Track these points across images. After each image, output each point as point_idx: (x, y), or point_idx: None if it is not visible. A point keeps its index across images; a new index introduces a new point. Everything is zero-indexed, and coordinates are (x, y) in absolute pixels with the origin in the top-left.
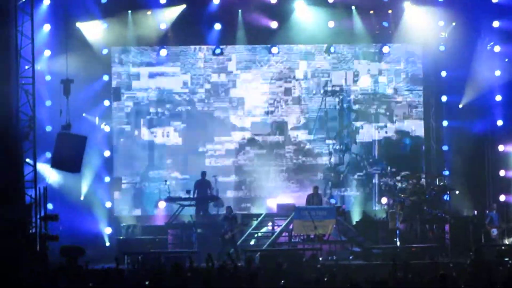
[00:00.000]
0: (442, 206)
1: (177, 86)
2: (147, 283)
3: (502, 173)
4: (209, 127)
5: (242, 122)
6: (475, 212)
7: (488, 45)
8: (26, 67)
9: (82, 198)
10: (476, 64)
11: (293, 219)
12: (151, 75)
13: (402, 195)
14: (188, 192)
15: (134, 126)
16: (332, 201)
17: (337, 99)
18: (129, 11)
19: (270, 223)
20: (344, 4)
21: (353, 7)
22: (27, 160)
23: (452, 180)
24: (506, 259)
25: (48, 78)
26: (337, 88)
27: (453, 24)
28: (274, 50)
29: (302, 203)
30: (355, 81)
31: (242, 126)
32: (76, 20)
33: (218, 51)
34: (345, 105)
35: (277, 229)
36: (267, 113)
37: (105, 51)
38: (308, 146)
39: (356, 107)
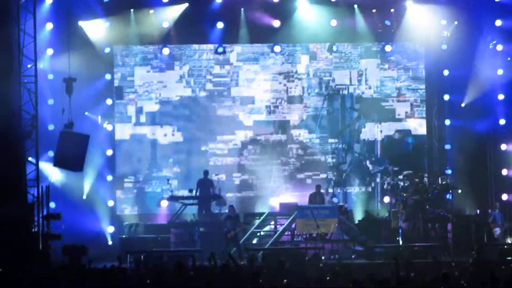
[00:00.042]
0: (445, 205)
1: (179, 84)
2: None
3: (504, 172)
4: (212, 126)
5: (244, 121)
6: (478, 211)
7: (491, 44)
8: (29, 65)
9: (84, 197)
10: (478, 63)
11: (296, 218)
12: (154, 74)
13: (404, 194)
14: (190, 191)
15: (137, 125)
16: (335, 200)
17: (339, 98)
18: (132, 10)
19: (272, 222)
20: (347, 2)
21: (355, 6)
22: (30, 158)
23: (454, 179)
24: (509, 258)
25: (50, 76)
26: (340, 87)
27: (456, 23)
28: (277, 48)
29: (305, 202)
30: (357, 80)
31: (245, 125)
32: (78, 19)
33: (220, 49)
34: (347, 104)
35: (280, 228)
36: (269, 112)
37: (107, 50)
38: (310, 145)
39: (358, 106)
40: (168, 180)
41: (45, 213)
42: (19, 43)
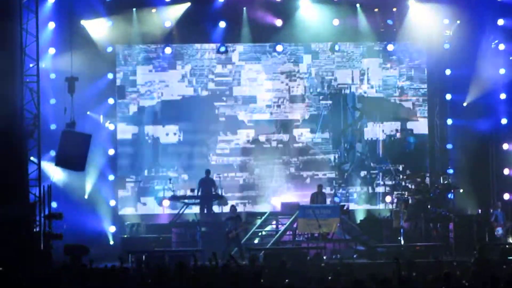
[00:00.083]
0: (446, 204)
1: (181, 84)
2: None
3: (506, 171)
4: (214, 125)
5: (246, 121)
6: (479, 210)
7: (493, 43)
8: (31, 65)
9: (86, 196)
10: (480, 62)
11: (297, 217)
12: (156, 73)
13: (406, 194)
14: (192, 190)
15: (139, 124)
16: (336, 199)
17: (341, 98)
18: (134, 9)
19: (274, 222)
20: (349, 2)
21: (357, 5)
22: (32, 158)
23: (456, 178)
24: (510, 258)
25: (52, 76)
26: (342, 86)
27: (458, 22)
28: (279, 48)
29: (306, 202)
30: (359, 80)
31: (247, 124)
32: (80, 18)
33: (222, 49)
34: (349, 104)
35: (281, 228)
36: (271, 111)
37: (109, 49)
38: (312, 144)
39: (360, 105)
40: (170, 179)
41: (46, 212)
42: (21, 43)
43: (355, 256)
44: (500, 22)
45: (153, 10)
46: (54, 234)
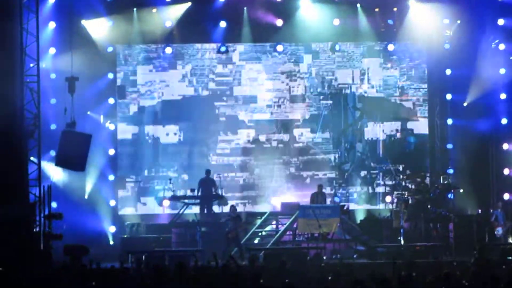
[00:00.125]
0: (446, 204)
1: (182, 84)
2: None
3: (506, 171)
4: (214, 125)
5: (246, 120)
6: (479, 210)
7: (493, 43)
8: (31, 65)
9: (86, 196)
10: (480, 62)
11: (297, 217)
12: (156, 73)
13: (406, 194)
14: (192, 190)
15: (139, 125)
16: (336, 199)
17: (341, 98)
18: (134, 9)
19: (274, 222)
20: (349, 2)
21: (358, 5)
22: (32, 158)
23: (456, 178)
24: (510, 258)
25: (53, 76)
26: (342, 86)
27: (458, 22)
28: (279, 48)
29: (306, 202)
30: (360, 79)
31: (247, 124)
32: (81, 18)
33: (223, 49)
34: (349, 104)
35: (281, 228)
36: (271, 111)
37: (110, 49)
38: (312, 144)
39: (360, 105)
40: (170, 179)
41: (46, 213)
42: (21, 43)
43: (355, 256)
44: (500, 22)
45: (154, 10)
46: (54, 234)
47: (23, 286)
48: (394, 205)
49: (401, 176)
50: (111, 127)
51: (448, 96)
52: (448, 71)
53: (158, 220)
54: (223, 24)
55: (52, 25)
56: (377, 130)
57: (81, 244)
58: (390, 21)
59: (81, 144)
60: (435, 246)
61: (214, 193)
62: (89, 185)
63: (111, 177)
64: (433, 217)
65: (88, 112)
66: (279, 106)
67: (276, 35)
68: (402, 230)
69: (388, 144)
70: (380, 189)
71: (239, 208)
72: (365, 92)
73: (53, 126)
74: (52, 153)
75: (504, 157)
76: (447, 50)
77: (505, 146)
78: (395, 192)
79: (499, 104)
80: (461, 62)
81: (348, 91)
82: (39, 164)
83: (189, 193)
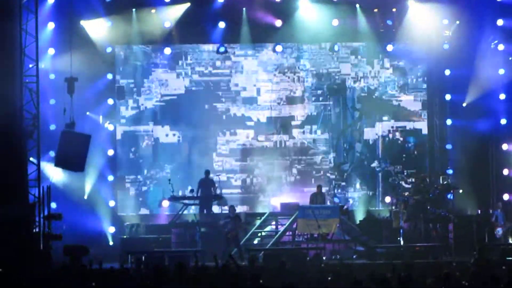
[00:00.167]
0: (446, 205)
1: (181, 84)
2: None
3: (506, 172)
4: (213, 125)
5: (246, 121)
6: (479, 211)
7: (492, 44)
8: (30, 65)
9: (85, 197)
10: (480, 63)
11: (297, 218)
12: (155, 74)
13: (405, 194)
14: (191, 191)
15: (138, 125)
16: (336, 200)
17: (341, 98)
18: (134, 9)
19: (273, 222)
20: (348, 2)
21: (357, 5)
22: (31, 159)
23: (456, 179)
24: (510, 258)
25: (52, 76)
26: (341, 87)
27: (457, 22)
28: (278, 48)
29: (306, 202)
30: (359, 80)
31: (246, 124)
32: (80, 18)
33: (222, 49)
34: (348, 104)
35: (281, 228)
36: (271, 112)
37: (109, 50)
38: (311, 145)
39: (359, 106)
40: (169, 180)
41: (46, 213)
42: (20, 43)
43: (354, 256)
44: (500, 22)
45: (153, 11)
46: (54, 234)
47: (23, 286)
48: (394, 205)
49: (400, 177)
50: (110, 127)
51: (448, 97)
52: (447, 72)
53: (158, 221)
54: (222, 24)
55: (51, 25)
56: (376, 131)
57: (81, 245)
58: (389, 22)
59: (81, 144)
60: (434, 247)
61: (213, 193)
62: (88, 186)
63: (111, 178)
64: (432, 217)
65: (87, 113)
66: (278, 106)
67: (275, 35)
68: (401, 231)
69: (387, 144)
70: (379, 190)
71: (239, 209)
72: (364, 93)
73: (52, 127)
74: (52, 153)
75: (503, 157)
76: (446, 50)
77: (505, 146)
78: (395, 193)
79: (499, 105)
80: (460, 62)
81: (347, 91)
82: (38, 165)
83: (188, 190)
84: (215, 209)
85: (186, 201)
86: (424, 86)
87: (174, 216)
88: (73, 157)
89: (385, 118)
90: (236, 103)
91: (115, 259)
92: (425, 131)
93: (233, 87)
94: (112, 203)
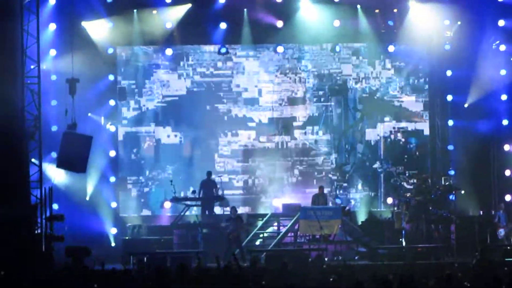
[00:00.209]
0: (448, 206)
1: (182, 85)
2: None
3: (507, 172)
4: (215, 126)
5: (247, 122)
6: (481, 212)
7: (494, 44)
8: (32, 66)
9: (87, 198)
10: (481, 63)
11: (299, 219)
12: (157, 75)
13: (407, 195)
14: (193, 192)
15: (140, 126)
16: (338, 201)
17: (342, 99)
18: (135, 10)
19: (275, 223)
20: (350, 3)
21: (358, 6)
22: (33, 160)
23: (457, 180)
24: (509, 259)
25: (53, 77)
26: (343, 88)
27: (459, 23)
28: (280, 49)
29: (308, 203)
30: (360, 81)
31: (248, 125)
32: (81, 19)
33: (223, 50)
34: (350, 105)
35: (283, 229)
36: (272, 112)
37: (110, 51)
38: (313, 145)
39: (361, 106)
40: (171, 181)
41: (48, 214)
42: (22, 44)
43: (356, 257)
44: (501, 23)
45: (154, 11)
46: (56, 236)
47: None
48: (396, 206)
49: (402, 178)
50: (112, 128)
51: (449, 97)
52: (449, 72)
53: (160, 222)
54: (223, 25)
55: (52, 26)
56: (377, 131)
57: (83, 246)
58: (390, 22)
59: (82, 145)
60: (436, 248)
61: (215, 194)
62: (90, 187)
63: (112, 179)
64: (434, 218)
65: (89, 114)
66: (279, 107)
67: (276, 36)
68: (403, 232)
69: (389, 145)
70: (381, 191)
71: (241, 210)
72: (366, 94)
73: (54, 128)
74: (53, 154)
75: (505, 158)
76: (448, 51)
77: (506, 147)
78: (396, 194)
79: (500, 105)
80: (462, 63)
81: (348, 92)
82: (40, 166)
83: (190, 192)
84: (217, 210)
85: (188, 202)
86: (426, 86)
87: (176, 217)
88: (75, 158)
89: (386, 119)
90: (238, 104)
91: (117, 260)
92: (426, 132)
93: (235, 88)
94: (114, 204)
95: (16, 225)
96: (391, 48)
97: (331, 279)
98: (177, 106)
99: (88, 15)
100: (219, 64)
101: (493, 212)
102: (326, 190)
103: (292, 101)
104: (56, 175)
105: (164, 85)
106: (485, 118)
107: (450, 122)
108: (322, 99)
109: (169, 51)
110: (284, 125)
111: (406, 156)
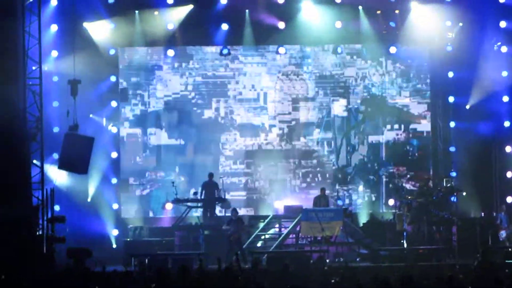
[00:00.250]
0: (449, 207)
1: (184, 86)
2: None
3: (509, 174)
4: (217, 128)
5: (249, 123)
6: (482, 213)
7: (495, 45)
8: (34, 67)
9: (89, 199)
10: (483, 65)
11: (300, 220)
12: (159, 76)
13: (409, 197)
14: (195, 193)
15: (141, 127)
16: (339, 202)
17: (344, 100)
18: (136, 11)
19: (277, 225)
20: (351, 4)
21: (360, 7)
22: (34, 161)
23: (459, 181)
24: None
25: (55, 78)
26: (344, 89)
27: (460, 24)
28: (281, 50)
29: (309, 205)
30: (362, 82)
31: (250, 126)
32: (83, 20)
33: (225, 51)
34: (352, 106)
35: (284, 231)
36: (274, 114)
37: (112, 52)
38: (315, 147)
39: (363, 108)
40: (173, 182)
41: (49, 216)
42: (24, 45)
43: (358, 259)
44: (503, 24)
45: (156, 13)
46: (57, 237)
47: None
48: (397, 208)
49: (403, 179)
50: (114, 130)
51: (451, 99)
52: (451, 74)
53: (161, 223)
54: (225, 26)
55: (54, 27)
56: (379, 133)
57: (84, 247)
58: (392, 24)
59: (84, 147)
60: (438, 249)
61: (217, 196)
62: (92, 188)
63: (114, 180)
64: (436, 220)
65: (91, 115)
66: (282, 109)
67: (278, 37)
68: (405, 233)
69: (391, 147)
70: (383, 192)
71: (242, 211)
72: (368, 95)
73: (55, 129)
74: (55, 156)
75: (507, 159)
76: (449, 52)
77: (508, 148)
78: (398, 195)
79: (502, 107)
80: (464, 64)
81: (350, 93)
82: (42, 167)
83: (192, 192)
84: (219, 211)
85: (190, 204)
86: (427, 88)
87: (178, 219)
88: (77, 160)
89: (388, 120)
90: (239, 106)
91: (119, 261)
92: (428, 133)
93: (237, 89)
94: (115, 206)
95: (17, 226)
96: (392, 49)
97: (333, 281)
98: (179, 107)
99: (89, 16)
100: (221, 65)
101: (494, 214)
102: (327, 192)
103: (294, 103)
104: (58, 176)
105: (166, 86)
106: (487, 119)
107: (452, 124)
108: (324, 101)
109: (171, 52)
110: (286, 126)
111: (407, 158)
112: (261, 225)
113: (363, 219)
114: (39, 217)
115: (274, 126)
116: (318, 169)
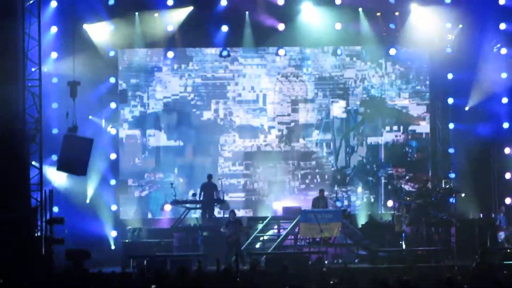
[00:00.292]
0: (448, 209)
1: (184, 88)
2: (153, 287)
3: (508, 175)
4: (216, 129)
5: (248, 124)
6: (481, 215)
7: (495, 47)
8: (33, 69)
9: (87, 201)
10: (482, 67)
11: (299, 222)
12: (158, 77)
13: (408, 198)
14: (194, 195)
15: (141, 129)
16: (338, 204)
17: (343, 102)
18: (136, 13)
19: (276, 226)
20: (351, 6)
21: (360, 9)
22: (33, 162)
23: (458, 182)
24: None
25: (55, 80)
26: (344, 90)
27: (460, 26)
28: (281, 52)
29: (308, 206)
30: (361, 84)
31: (249, 128)
32: (83, 22)
33: (225, 53)
34: (351, 108)
35: (283, 232)
36: (273, 115)
37: (111, 53)
38: (314, 148)
39: (362, 109)
40: (171, 184)
41: (48, 217)
42: (23, 47)
43: (356, 260)
44: (502, 26)
45: (156, 14)
46: (56, 238)
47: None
48: (396, 209)
49: (402, 181)
50: (113, 131)
51: (450, 100)
52: (450, 75)
53: (160, 225)
54: (225, 28)
55: (54, 29)
56: (378, 134)
57: (83, 249)
58: (392, 25)
59: (83, 148)
60: (436, 251)
61: (216, 197)
62: (90, 190)
63: (113, 182)
64: (434, 221)
65: (90, 117)
66: (281, 110)
67: (278, 39)
68: (403, 235)
69: (390, 148)
70: (381, 194)
71: (241, 213)
72: (367, 97)
73: (55, 131)
74: (54, 157)
75: (506, 161)
76: (449, 54)
77: (507, 150)
78: (397, 197)
79: (501, 108)
80: (463, 66)
81: (350, 95)
82: (40, 169)
83: (190, 193)
84: (217, 213)
85: (189, 205)
86: (427, 89)
87: (176, 220)
88: (76, 161)
89: (387, 121)
90: (239, 107)
91: (117, 263)
92: (427, 135)
93: (236, 90)
94: (114, 207)
95: (16, 228)
96: (392, 51)
97: (331, 282)
98: (179, 109)
99: (89, 17)
100: (221, 66)
101: (493, 215)
102: (326, 193)
103: (293, 104)
104: (57, 177)
105: (166, 87)
106: (486, 121)
107: (451, 125)
108: (323, 102)
109: (170, 54)
110: (285, 128)
111: (406, 159)
112: (260, 226)
113: (362, 220)
114: (37, 219)
115: (273, 127)
116: (317, 170)
